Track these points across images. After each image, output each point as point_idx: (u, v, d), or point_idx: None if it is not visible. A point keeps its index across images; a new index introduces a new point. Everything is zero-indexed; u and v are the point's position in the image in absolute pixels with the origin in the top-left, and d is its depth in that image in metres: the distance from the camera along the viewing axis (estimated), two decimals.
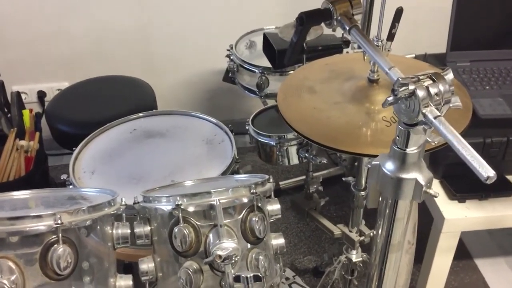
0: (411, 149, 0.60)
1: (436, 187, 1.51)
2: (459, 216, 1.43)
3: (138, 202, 0.95)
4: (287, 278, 1.87)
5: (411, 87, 0.55)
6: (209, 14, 2.16)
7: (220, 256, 0.81)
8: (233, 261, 0.83)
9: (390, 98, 0.57)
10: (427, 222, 1.50)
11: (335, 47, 1.60)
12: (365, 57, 1.03)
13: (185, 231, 0.85)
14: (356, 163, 2.08)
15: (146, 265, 0.94)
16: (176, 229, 0.86)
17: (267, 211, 0.97)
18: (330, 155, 2.50)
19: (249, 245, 0.90)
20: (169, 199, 0.88)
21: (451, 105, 0.58)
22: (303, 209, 1.53)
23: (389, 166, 0.62)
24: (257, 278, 0.78)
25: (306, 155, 1.38)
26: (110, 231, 0.90)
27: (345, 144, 1.00)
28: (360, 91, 1.09)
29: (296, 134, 1.38)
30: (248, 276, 0.78)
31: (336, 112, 1.06)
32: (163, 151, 1.35)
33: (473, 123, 1.41)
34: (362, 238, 1.35)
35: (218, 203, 0.84)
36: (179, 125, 1.45)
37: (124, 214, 0.93)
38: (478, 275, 1.91)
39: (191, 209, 0.86)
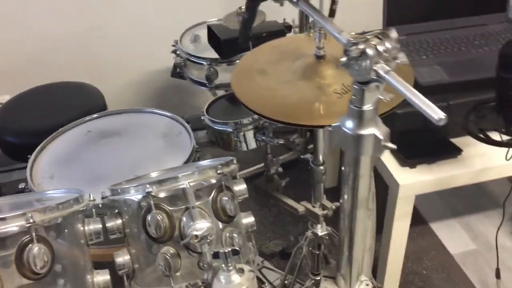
0: (367, 106, 0.65)
1: (388, 156, 1.59)
2: (412, 181, 1.51)
3: (107, 197, 0.96)
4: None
5: (361, 46, 0.59)
6: (150, 14, 2.16)
7: (196, 236, 0.84)
8: (208, 240, 0.85)
9: (343, 59, 0.61)
10: (384, 192, 1.57)
11: (279, 33, 1.65)
12: (311, 34, 1.08)
13: (158, 217, 0.86)
14: (309, 147, 2.15)
15: (122, 258, 0.94)
16: (149, 217, 0.87)
17: (234, 191, 0.99)
18: (284, 140, 2.55)
19: (222, 225, 0.93)
20: (138, 188, 0.89)
21: (398, 61, 0.63)
22: (266, 191, 1.56)
23: (348, 125, 0.66)
24: (235, 252, 0.81)
25: (263, 138, 1.42)
26: (82, 228, 0.90)
27: (301, 119, 1.04)
28: (309, 68, 1.13)
29: (251, 119, 1.42)
30: (226, 251, 0.80)
31: (288, 90, 1.10)
32: (121, 150, 1.35)
33: None
34: (325, 211, 1.40)
35: (188, 185, 0.86)
36: (134, 122, 1.45)
37: (94, 210, 0.93)
38: (435, 238, 2.02)
39: (162, 195, 0.88)
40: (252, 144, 1.42)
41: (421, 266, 1.90)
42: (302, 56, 1.17)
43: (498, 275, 1.72)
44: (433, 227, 2.06)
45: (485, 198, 2.15)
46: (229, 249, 0.81)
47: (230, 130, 1.41)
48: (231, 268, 0.80)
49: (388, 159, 1.58)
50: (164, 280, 0.90)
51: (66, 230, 0.85)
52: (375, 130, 0.65)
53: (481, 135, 1.28)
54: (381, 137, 0.65)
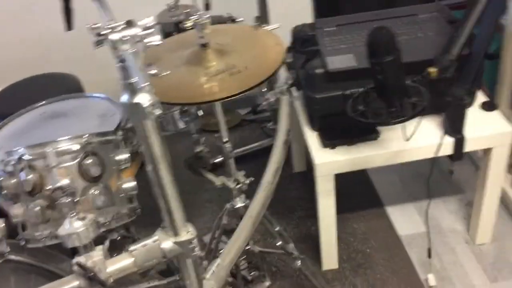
0: (133, 79, 0.81)
1: (314, 138, 1.71)
2: (328, 160, 1.63)
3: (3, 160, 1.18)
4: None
5: (106, 31, 0.77)
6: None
7: (50, 189, 1.04)
8: (65, 192, 1.05)
9: (95, 39, 0.78)
10: None
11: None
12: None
13: (28, 175, 1.07)
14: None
15: (16, 210, 1.16)
16: (21, 175, 1.08)
17: (112, 159, 1.19)
18: (263, 128, 2.71)
19: (86, 184, 1.12)
20: (18, 151, 1.11)
21: (148, 43, 0.79)
22: (195, 168, 1.73)
23: (124, 98, 0.84)
24: (72, 193, 1.00)
25: (187, 119, 1.59)
26: None
27: (194, 98, 1.22)
28: (195, 55, 1.30)
29: None
30: (72, 200, 1.00)
31: (180, 74, 1.28)
32: (63, 127, 1.57)
33: (329, 79, 1.61)
34: (239, 185, 1.56)
35: (51, 149, 1.07)
36: (81, 105, 1.67)
37: None
38: (386, 220, 2.10)
39: (33, 156, 1.09)
40: (180, 125, 1.59)
41: (366, 245, 2.00)
42: (194, 45, 1.34)
43: (429, 255, 1.79)
44: (388, 210, 2.14)
45: (447, 184, 2.20)
46: (70, 199, 1.01)
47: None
48: (73, 215, 1.00)
49: (312, 141, 1.70)
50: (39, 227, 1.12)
51: None
52: (141, 99, 0.82)
53: (362, 119, 1.39)
54: (145, 105, 0.82)
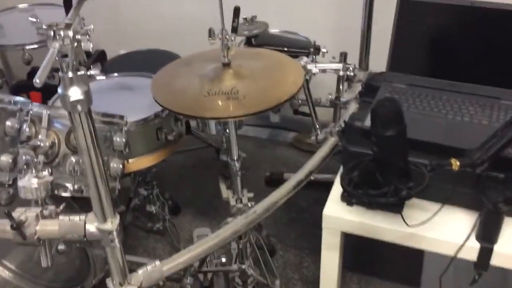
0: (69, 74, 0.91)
1: (338, 187, 1.62)
2: (337, 215, 1.55)
3: None
4: None
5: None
6: None
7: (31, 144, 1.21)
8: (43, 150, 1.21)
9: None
10: None
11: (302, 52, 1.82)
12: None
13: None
14: None
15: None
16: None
17: (108, 138, 1.32)
18: None
19: (69, 151, 1.27)
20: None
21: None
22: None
23: (59, 89, 0.94)
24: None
25: (219, 127, 1.65)
26: None
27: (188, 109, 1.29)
28: (214, 71, 1.36)
29: None
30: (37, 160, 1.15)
31: (189, 83, 1.35)
32: (122, 100, 1.76)
33: (364, 135, 1.52)
34: (240, 205, 1.57)
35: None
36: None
37: None
38: None
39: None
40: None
41: None
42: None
43: None
44: None
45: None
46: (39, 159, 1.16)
47: None
48: (34, 174, 1.15)
49: (336, 190, 1.62)
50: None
51: None
52: (72, 93, 0.91)
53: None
54: (72, 99, 0.91)
